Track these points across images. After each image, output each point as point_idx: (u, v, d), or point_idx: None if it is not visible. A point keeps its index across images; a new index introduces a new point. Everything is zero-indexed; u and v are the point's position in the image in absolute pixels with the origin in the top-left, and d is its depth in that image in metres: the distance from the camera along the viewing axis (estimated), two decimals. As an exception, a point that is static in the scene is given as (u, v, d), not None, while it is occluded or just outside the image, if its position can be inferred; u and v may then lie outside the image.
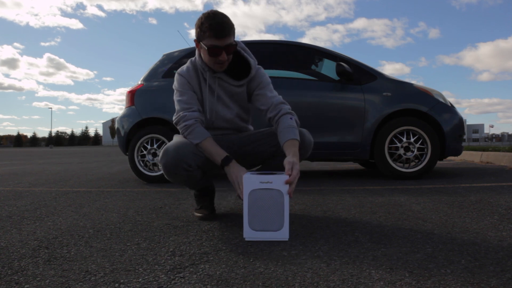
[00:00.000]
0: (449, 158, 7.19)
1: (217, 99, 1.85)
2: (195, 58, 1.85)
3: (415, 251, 1.30)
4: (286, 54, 4.04)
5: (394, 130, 3.63)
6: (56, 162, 8.61)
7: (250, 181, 1.47)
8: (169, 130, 3.73)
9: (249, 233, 1.47)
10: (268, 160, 1.91)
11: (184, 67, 1.87)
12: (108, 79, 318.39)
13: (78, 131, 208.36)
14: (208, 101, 1.85)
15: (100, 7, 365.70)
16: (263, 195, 1.46)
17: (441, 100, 3.76)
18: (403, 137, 3.63)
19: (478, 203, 2.23)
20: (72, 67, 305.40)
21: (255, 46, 3.86)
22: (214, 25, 1.63)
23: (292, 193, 1.48)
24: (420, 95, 3.73)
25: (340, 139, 3.71)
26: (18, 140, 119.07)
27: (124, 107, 4.08)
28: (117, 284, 1.05)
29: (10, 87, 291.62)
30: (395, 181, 3.45)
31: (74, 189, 3.29)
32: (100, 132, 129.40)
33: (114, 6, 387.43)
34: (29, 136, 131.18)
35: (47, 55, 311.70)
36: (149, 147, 3.77)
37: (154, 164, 3.79)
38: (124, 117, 3.89)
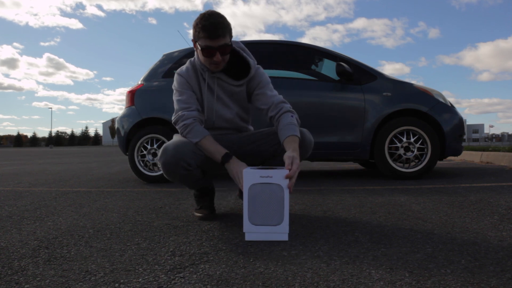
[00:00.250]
0: (449, 158, 7.19)
1: (217, 99, 1.86)
2: (195, 58, 1.86)
3: (415, 251, 1.30)
4: (286, 54, 4.04)
5: (394, 130, 3.63)
6: (56, 162, 8.61)
7: (250, 176, 1.47)
8: (169, 130, 3.73)
9: (249, 227, 1.47)
10: (268, 160, 1.91)
11: (183, 67, 1.88)
12: (108, 79, 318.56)
13: (78, 131, 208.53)
14: (208, 101, 1.85)
15: (99, 7, 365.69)
16: (263, 189, 1.46)
17: (441, 100, 3.76)
18: (403, 137, 3.63)
19: (478, 203, 2.23)
20: (71, 67, 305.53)
21: (255, 46, 3.86)
22: (208, 25, 1.64)
23: (292, 188, 1.48)
24: (420, 95, 3.73)
25: (340, 139, 3.71)
26: (18, 140, 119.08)
27: (124, 107, 4.08)
28: (117, 284, 1.05)
29: (10, 87, 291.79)
30: (395, 181, 3.45)
31: (74, 189, 3.29)
32: (100, 132, 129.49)
33: (114, 6, 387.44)
34: (29, 136, 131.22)
35: (46, 55, 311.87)
36: (149, 147, 3.77)
37: (154, 164, 3.79)
38: (124, 117, 3.89)
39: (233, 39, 1.81)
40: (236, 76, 1.84)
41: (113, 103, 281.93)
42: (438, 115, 3.65)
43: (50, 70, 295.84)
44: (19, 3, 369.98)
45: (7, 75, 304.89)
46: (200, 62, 1.81)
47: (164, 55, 4.09)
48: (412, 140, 3.63)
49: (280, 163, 1.88)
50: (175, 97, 1.85)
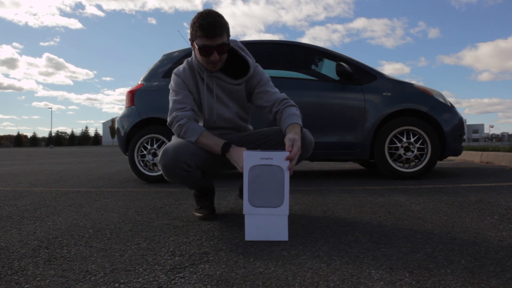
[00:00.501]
0: (449, 158, 7.19)
1: (216, 99, 1.85)
2: (192, 58, 1.86)
3: (415, 251, 1.30)
4: (286, 54, 4.04)
5: (394, 130, 3.63)
6: (56, 162, 8.62)
7: (251, 157, 1.47)
8: (169, 130, 3.72)
9: (248, 209, 1.46)
10: None
11: (180, 67, 1.88)
12: (108, 79, 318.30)
13: (78, 131, 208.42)
14: (207, 100, 1.85)
15: (99, 7, 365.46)
16: (264, 171, 1.46)
17: (441, 100, 3.76)
18: (403, 137, 3.63)
19: (478, 203, 2.23)
20: (71, 67, 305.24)
21: (255, 46, 3.86)
22: (205, 25, 1.63)
23: (292, 170, 1.48)
24: (420, 95, 3.73)
25: (340, 139, 3.71)
26: (18, 140, 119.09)
27: (124, 107, 4.08)
28: (117, 284, 1.05)
29: (9, 87, 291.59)
30: (395, 181, 3.45)
31: (74, 189, 3.29)
32: (100, 132, 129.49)
33: (113, 6, 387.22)
34: (29, 136, 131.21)
35: (46, 55, 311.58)
36: (149, 147, 3.77)
37: (154, 164, 3.79)
38: (124, 117, 3.89)
39: (232, 38, 1.81)
40: (234, 75, 1.84)
41: (113, 103, 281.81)
42: (438, 115, 3.65)
43: (50, 70, 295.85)
44: (18, 3, 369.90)
45: (6, 75, 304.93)
46: (197, 61, 1.80)
47: (164, 55, 4.09)
48: (412, 140, 3.62)
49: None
50: (170, 97, 1.85)
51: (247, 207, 1.47)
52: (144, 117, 3.79)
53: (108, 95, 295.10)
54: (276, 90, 1.86)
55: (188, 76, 1.84)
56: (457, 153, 3.74)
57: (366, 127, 3.66)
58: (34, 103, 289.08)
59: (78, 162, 8.45)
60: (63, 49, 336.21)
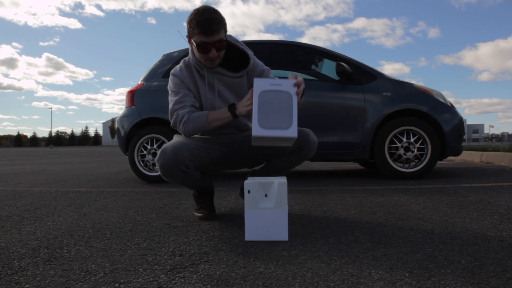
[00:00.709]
0: (449, 158, 7.19)
1: (218, 96, 1.84)
2: (189, 56, 1.84)
3: (415, 251, 1.30)
4: (286, 54, 4.04)
5: (394, 130, 3.63)
6: (56, 162, 8.62)
7: (261, 83, 1.51)
8: (169, 130, 3.72)
9: (259, 131, 1.47)
10: (270, 160, 1.91)
11: (177, 67, 1.87)
12: (108, 79, 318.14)
13: (78, 131, 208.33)
14: (209, 98, 1.83)
15: (98, 7, 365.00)
16: (273, 96, 1.50)
17: (441, 100, 3.76)
18: (403, 137, 3.63)
19: (478, 203, 2.23)
20: (71, 67, 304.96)
21: (255, 46, 3.86)
22: (202, 21, 1.63)
23: (300, 97, 1.54)
24: (420, 95, 3.73)
25: (340, 139, 3.71)
26: (18, 140, 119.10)
27: (124, 107, 4.08)
28: (117, 284, 1.05)
29: (9, 87, 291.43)
30: (395, 181, 3.45)
31: (74, 189, 3.29)
32: (100, 132, 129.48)
33: (113, 6, 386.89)
34: (29, 136, 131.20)
35: (46, 54, 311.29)
36: (149, 147, 3.77)
37: (154, 164, 3.79)
38: (124, 117, 3.89)
39: (227, 34, 1.80)
40: (235, 68, 1.84)
41: (112, 103, 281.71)
42: (438, 115, 3.65)
43: (50, 70, 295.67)
44: (17, 3, 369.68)
45: (6, 75, 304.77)
46: (195, 58, 1.79)
47: (164, 55, 4.09)
48: (412, 140, 3.62)
49: (283, 164, 1.89)
50: (170, 98, 1.85)
51: (256, 129, 1.47)
52: (144, 117, 3.79)
53: (107, 95, 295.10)
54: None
55: (186, 75, 1.83)
56: (457, 153, 3.74)
57: (366, 127, 3.66)
58: (34, 103, 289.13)
59: (78, 162, 8.45)
60: (62, 49, 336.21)
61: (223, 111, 1.75)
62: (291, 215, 1.93)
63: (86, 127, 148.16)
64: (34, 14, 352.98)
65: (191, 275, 1.11)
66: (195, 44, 1.69)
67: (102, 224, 1.83)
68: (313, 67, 4.18)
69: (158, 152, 1.71)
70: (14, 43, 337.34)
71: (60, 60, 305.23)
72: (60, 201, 2.58)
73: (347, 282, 1.03)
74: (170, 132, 3.71)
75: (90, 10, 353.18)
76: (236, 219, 1.88)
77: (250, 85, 1.87)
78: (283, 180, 1.52)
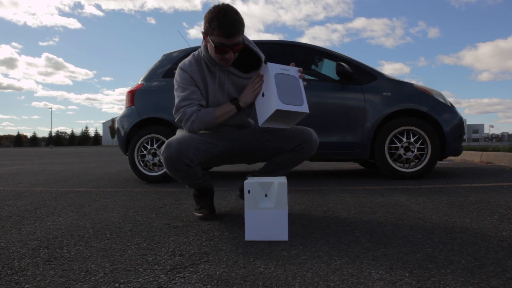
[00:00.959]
0: (449, 158, 7.19)
1: (227, 96, 1.84)
2: (199, 51, 1.83)
3: (415, 251, 1.30)
4: (286, 54, 4.04)
5: (394, 130, 3.63)
6: (56, 162, 8.62)
7: (274, 67, 1.72)
8: (169, 130, 3.73)
9: (280, 105, 1.63)
10: (272, 157, 1.91)
11: (186, 61, 1.85)
12: (107, 79, 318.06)
13: (78, 131, 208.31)
14: (217, 96, 1.83)
15: (98, 7, 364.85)
16: (285, 78, 1.72)
17: (441, 100, 3.76)
18: (403, 137, 3.63)
19: (478, 203, 2.23)
20: (71, 67, 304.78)
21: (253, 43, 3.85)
22: (224, 24, 1.61)
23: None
24: (420, 95, 3.73)
25: (340, 139, 3.71)
26: (18, 140, 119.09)
27: (124, 107, 4.08)
28: (117, 284, 1.05)
29: (9, 87, 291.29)
30: (395, 181, 3.45)
31: (74, 189, 3.29)
32: (100, 132, 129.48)
33: (112, 6, 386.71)
34: (29, 136, 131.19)
35: (45, 54, 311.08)
36: (149, 147, 3.77)
37: (154, 164, 3.79)
38: (124, 117, 3.89)
39: None
40: (246, 69, 1.84)
41: (112, 103, 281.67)
42: (438, 115, 3.65)
43: (49, 70, 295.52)
44: (17, 3, 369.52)
45: (6, 75, 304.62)
46: (208, 55, 1.78)
47: (164, 55, 4.09)
48: (412, 140, 3.62)
49: (285, 161, 1.89)
50: (176, 93, 1.82)
51: (278, 104, 1.63)
52: (144, 117, 3.79)
53: (107, 95, 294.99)
54: None
55: (195, 70, 1.81)
56: (457, 153, 3.74)
57: (366, 127, 3.66)
58: (34, 103, 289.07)
59: (78, 162, 8.45)
60: (62, 49, 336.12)
61: (227, 105, 1.81)
62: (291, 215, 1.93)
63: (86, 127, 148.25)
64: (34, 14, 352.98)
65: (191, 275, 1.11)
66: (213, 45, 1.68)
67: (102, 224, 1.83)
68: (313, 67, 4.18)
69: (163, 145, 1.71)
70: (13, 43, 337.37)
71: (60, 60, 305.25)
72: (60, 201, 2.58)
73: (347, 282, 1.03)
74: (170, 132, 3.71)
75: (89, 10, 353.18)
76: (236, 219, 1.88)
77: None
78: (283, 180, 1.53)
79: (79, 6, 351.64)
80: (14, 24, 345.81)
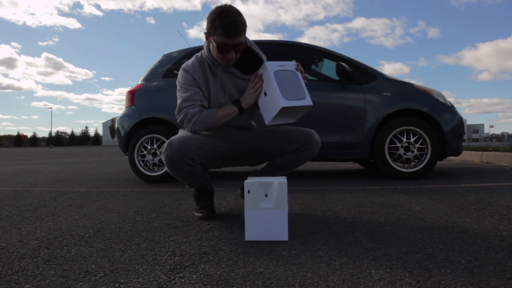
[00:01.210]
0: (449, 158, 7.19)
1: (228, 96, 1.85)
2: (202, 52, 1.84)
3: (415, 251, 1.30)
4: (286, 54, 4.04)
5: (394, 130, 3.62)
6: (56, 162, 8.62)
7: (272, 65, 1.73)
8: (169, 130, 3.73)
9: (285, 103, 1.66)
10: (274, 158, 1.91)
11: (189, 62, 1.85)
12: (107, 79, 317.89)
13: (78, 131, 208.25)
14: (218, 97, 1.84)
15: (97, 7, 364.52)
16: (283, 74, 1.74)
17: (441, 100, 3.76)
18: (403, 137, 3.63)
19: (478, 203, 2.23)
20: (70, 67, 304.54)
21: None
22: (227, 24, 1.63)
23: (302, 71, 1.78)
24: (420, 95, 3.73)
25: (340, 139, 3.71)
26: (18, 140, 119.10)
27: (124, 107, 4.08)
28: (117, 284, 1.05)
29: (8, 86, 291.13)
30: (395, 181, 3.45)
31: (74, 189, 3.29)
32: (100, 132, 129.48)
33: (112, 6, 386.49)
34: (29, 136, 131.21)
35: (45, 54, 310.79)
36: (149, 147, 3.77)
37: (154, 164, 3.79)
38: (124, 117, 3.89)
39: None
40: (247, 70, 1.84)
41: (112, 103, 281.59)
42: (438, 115, 3.65)
43: (49, 70, 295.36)
44: (16, 3, 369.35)
45: (6, 75, 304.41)
46: (211, 56, 1.79)
47: (164, 55, 4.09)
48: (412, 140, 3.62)
49: (286, 162, 1.89)
50: (179, 93, 1.83)
51: (283, 101, 1.66)
52: (144, 117, 3.79)
53: (107, 95, 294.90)
54: None
55: (198, 71, 1.82)
56: (457, 153, 3.74)
57: (366, 127, 3.66)
58: (34, 103, 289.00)
59: (78, 162, 8.45)
60: (62, 48, 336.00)
61: (229, 106, 1.81)
62: (291, 215, 1.93)
63: (86, 127, 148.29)
64: (33, 14, 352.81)
65: (191, 275, 1.11)
66: (215, 44, 1.69)
67: (102, 224, 1.83)
68: (313, 67, 4.18)
69: (165, 144, 1.71)
70: (13, 43, 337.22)
71: (60, 60, 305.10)
72: (60, 201, 2.58)
73: (347, 282, 1.03)
74: (170, 132, 3.71)
75: (89, 9, 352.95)
76: (236, 219, 1.88)
77: None
78: (283, 180, 1.53)
79: (78, 6, 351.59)
80: (13, 24, 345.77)
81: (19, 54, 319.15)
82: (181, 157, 1.67)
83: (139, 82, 4.00)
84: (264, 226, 1.49)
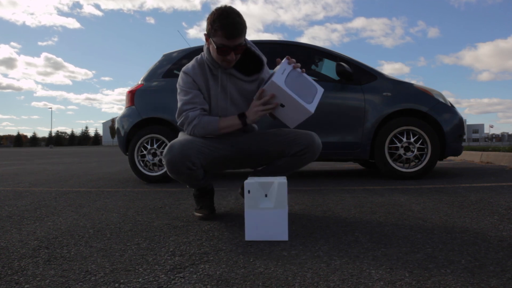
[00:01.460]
0: (449, 158, 7.19)
1: (230, 101, 1.84)
2: (202, 54, 1.84)
3: (415, 251, 1.30)
4: (286, 54, 4.03)
5: (394, 130, 3.62)
6: (56, 162, 8.62)
7: (277, 79, 1.66)
8: (169, 130, 3.73)
9: (311, 107, 1.70)
10: (274, 160, 1.91)
11: (189, 64, 1.85)
12: (107, 79, 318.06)
13: (78, 131, 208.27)
14: (220, 100, 1.83)
15: (97, 6, 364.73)
16: (290, 80, 1.70)
17: (441, 100, 3.76)
18: (403, 137, 3.63)
19: (478, 203, 2.23)
20: (70, 67, 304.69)
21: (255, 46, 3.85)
22: (226, 25, 1.62)
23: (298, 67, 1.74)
24: (420, 95, 3.73)
25: (340, 139, 3.71)
26: (18, 140, 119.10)
27: (124, 107, 4.08)
28: (117, 284, 1.05)
29: (8, 86, 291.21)
30: (395, 181, 3.45)
31: (74, 189, 3.29)
32: (100, 132, 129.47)
33: (111, 6, 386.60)
34: (29, 136, 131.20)
35: (44, 54, 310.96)
36: (149, 147, 3.77)
37: (154, 164, 3.79)
38: (124, 117, 3.89)
39: None
40: (248, 72, 1.84)
41: (112, 103, 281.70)
42: (438, 115, 3.65)
43: (48, 69, 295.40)
44: (15, 2, 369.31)
45: (5, 75, 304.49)
46: (211, 58, 1.79)
47: (163, 55, 4.09)
48: (412, 140, 3.62)
49: (286, 164, 1.89)
50: (179, 96, 1.83)
51: (310, 107, 1.69)
52: (144, 117, 3.79)
53: (107, 95, 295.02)
54: None
55: (198, 74, 1.82)
56: (457, 153, 3.74)
57: (366, 127, 3.66)
58: (33, 103, 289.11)
59: (78, 162, 8.45)
60: (61, 48, 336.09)
61: (233, 118, 1.78)
62: (291, 215, 1.93)
63: (86, 127, 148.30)
64: (32, 14, 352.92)
65: (191, 275, 1.11)
66: (215, 46, 1.69)
67: (102, 224, 1.83)
68: (313, 67, 4.18)
69: (166, 148, 1.71)
70: (12, 43, 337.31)
71: (59, 60, 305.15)
72: (60, 201, 2.58)
73: (347, 282, 1.03)
74: (170, 132, 3.71)
75: (88, 9, 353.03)
76: (236, 219, 1.88)
77: None
78: (283, 180, 1.53)
79: (78, 5, 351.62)
80: (12, 23, 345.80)
81: (18, 54, 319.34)
82: (182, 160, 1.67)
83: (139, 82, 4.00)
84: (264, 226, 1.49)
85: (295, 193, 2.77)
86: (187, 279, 1.08)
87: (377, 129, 3.68)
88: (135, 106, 3.86)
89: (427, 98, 3.71)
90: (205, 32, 1.74)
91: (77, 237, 1.58)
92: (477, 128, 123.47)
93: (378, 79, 3.78)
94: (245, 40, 1.77)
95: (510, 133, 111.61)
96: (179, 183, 3.44)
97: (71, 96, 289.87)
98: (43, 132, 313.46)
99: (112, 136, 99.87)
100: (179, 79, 1.84)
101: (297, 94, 1.68)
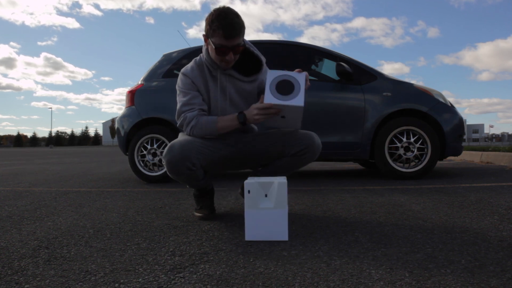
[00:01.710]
0: (449, 158, 7.19)
1: (230, 102, 1.84)
2: (201, 56, 1.84)
3: (415, 251, 1.30)
4: (286, 54, 4.04)
5: (394, 130, 3.63)
6: (56, 162, 8.61)
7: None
8: (169, 130, 3.73)
9: (299, 102, 1.68)
10: (274, 160, 1.91)
11: (188, 66, 1.85)
12: (107, 79, 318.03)
13: (78, 131, 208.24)
14: (219, 101, 1.83)
15: (96, 6, 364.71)
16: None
17: (441, 100, 3.76)
18: (403, 137, 3.63)
19: (478, 203, 2.23)
20: (70, 67, 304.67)
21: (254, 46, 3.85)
22: (225, 25, 1.63)
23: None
24: (420, 95, 3.73)
25: (340, 139, 3.71)
26: (18, 140, 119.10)
27: (124, 107, 4.08)
28: (117, 284, 1.05)
29: (8, 86, 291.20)
30: (395, 181, 3.45)
31: (74, 189, 3.29)
32: (100, 132, 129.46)
33: (111, 5, 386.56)
34: (29, 136, 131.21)
35: (44, 54, 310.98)
36: (149, 147, 3.77)
37: (154, 164, 3.79)
38: (124, 117, 3.89)
39: None
40: (247, 72, 1.84)
41: (112, 103, 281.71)
42: (438, 115, 3.65)
43: (48, 69, 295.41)
44: (15, 2, 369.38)
45: (5, 75, 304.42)
46: (210, 58, 1.79)
47: (163, 55, 4.09)
48: (412, 140, 3.62)
49: (286, 164, 1.89)
50: (178, 98, 1.83)
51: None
52: (144, 117, 3.79)
53: (107, 95, 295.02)
54: None
55: (197, 75, 1.82)
56: (457, 153, 3.74)
57: (366, 127, 3.66)
58: (33, 103, 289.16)
59: (78, 162, 8.45)
60: (61, 48, 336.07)
61: (231, 118, 1.77)
62: (291, 215, 1.93)
63: (86, 127, 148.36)
64: (32, 14, 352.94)
65: (191, 275, 1.11)
66: (213, 46, 1.69)
67: (102, 224, 1.83)
68: (313, 67, 4.18)
69: (166, 148, 1.71)
70: (12, 43, 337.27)
71: (59, 59, 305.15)
72: (60, 201, 2.58)
73: (347, 282, 1.03)
74: (170, 132, 3.71)
75: (87, 9, 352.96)
76: (236, 219, 1.88)
77: (261, 92, 1.86)
78: (283, 180, 1.53)
79: (77, 5, 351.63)
80: (12, 23, 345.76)
81: (18, 54, 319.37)
82: (182, 161, 1.67)
83: (139, 82, 4.01)
84: (264, 226, 1.49)
85: (295, 193, 2.77)
86: (187, 279, 1.08)
87: (377, 129, 3.68)
88: (135, 106, 3.86)
89: (427, 98, 3.71)
90: (204, 33, 1.74)
91: (77, 237, 1.58)
92: (477, 128, 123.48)
93: (378, 79, 3.78)
94: (244, 40, 1.77)
95: (510, 133, 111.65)
96: (179, 183, 3.44)
97: (71, 96, 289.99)
98: (43, 132, 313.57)
99: (112, 136, 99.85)
100: (178, 81, 1.85)
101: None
